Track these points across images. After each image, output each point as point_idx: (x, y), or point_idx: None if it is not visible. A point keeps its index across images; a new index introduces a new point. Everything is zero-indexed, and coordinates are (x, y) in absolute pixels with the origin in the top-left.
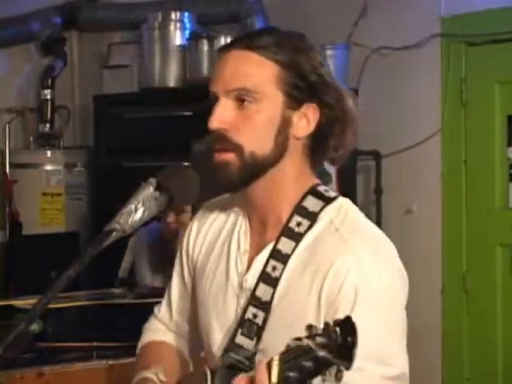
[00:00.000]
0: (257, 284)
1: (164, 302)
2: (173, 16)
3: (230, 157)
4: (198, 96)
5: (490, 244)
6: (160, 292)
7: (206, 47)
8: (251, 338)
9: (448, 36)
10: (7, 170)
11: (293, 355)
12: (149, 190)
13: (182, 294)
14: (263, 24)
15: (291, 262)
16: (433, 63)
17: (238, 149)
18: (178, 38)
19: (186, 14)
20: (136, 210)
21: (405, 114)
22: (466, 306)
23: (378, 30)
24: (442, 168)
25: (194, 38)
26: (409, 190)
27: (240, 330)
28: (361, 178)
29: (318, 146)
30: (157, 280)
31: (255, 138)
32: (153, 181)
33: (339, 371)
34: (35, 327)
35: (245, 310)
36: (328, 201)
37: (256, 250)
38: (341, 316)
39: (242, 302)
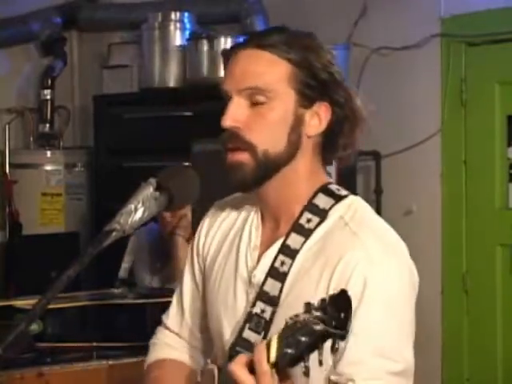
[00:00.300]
0: (265, 279)
1: (173, 306)
2: (173, 16)
3: (243, 157)
4: (198, 96)
5: (490, 244)
6: (160, 292)
7: (206, 47)
8: (259, 333)
9: (448, 36)
10: (7, 170)
11: (290, 332)
12: (149, 190)
13: (194, 295)
14: (263, 24)
15: (300, 256)
16: (433, 63)
17: (251, 148)
18: (178, 38)
19: (186, 14)
20: (136, 210)
21: (405, 114)
22: (466, 306)
23: (378, 30)
24: (441, 168)
25: (194, 38)
26: (409, 190)
27: (248, 325)
28: (361, 178)
29: (328, 145)
30: (155, 281)
31: (268, 137)
32: (153, 181)
33: (335, 343)
34: (35, 327)
35: (253, 305)
36: (339, 198)
37: (266, 245)
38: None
39: (251, 297)
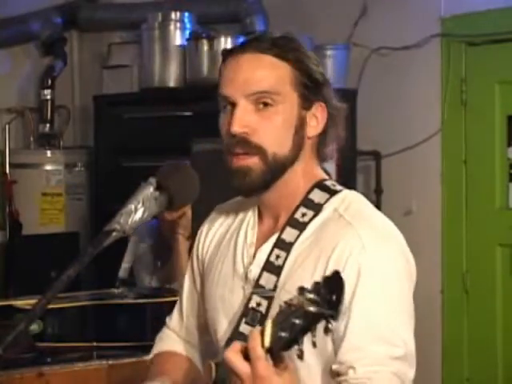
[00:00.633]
0: (260, 273)
1: (175, 309)
2: (173, 16)
3: (252, 161)
4: (198, 96)
5: (490, 244)
6: (160, 292)
7: (206, 47)
8: (254, 326)
9: (448, 36)
10: (7, 170)
11: (284, 316)
12: (149, 190)
13: (192, 298)
14: (263, 24)
15: (294, 249)
16: (433, 63)
17: (261, 151)
18: (178, 38)
19: (186, 14)
20: (136, 210)
21: (405, 114)
22: (466, 306)
23: (378, 30)
24: (441, 168)
25: (194, 38)
26: (409, 190)
27: (244, 319)
28: (361, 178)
29: (321, 144)
30: (155, 280)
31: (276, 140)
32: (153, 181)
33: (328, 324)
34: (35, 327)
35: (249, 299)
36: (333, 193)
37: (262, 241)
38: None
39: (247, 292)
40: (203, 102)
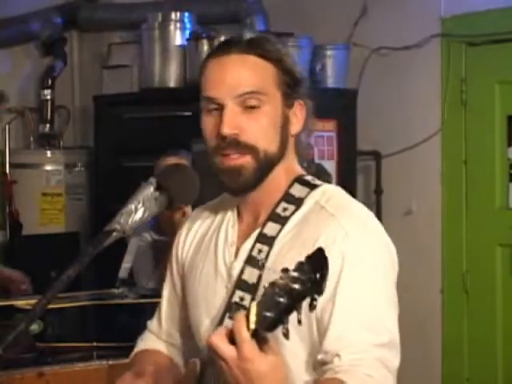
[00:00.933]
0: (243, 268)
1: (156, 313)
2: (173, 16)
3: (245, 160)
4: (197, 96)
5: (490, 244)
6: (159, 293)
7: (206, 47)
8: None
9: (448, 36)
10: (7, 170)
11: (268, 296)
12: (149, 190)
13: (171, 301)
14: (263, 24)
15: (277, 243)
16: (433, 63)
17: (253, 150)
18: (178, 38)
19: (186, 14)
20: (136, 210)
21: (405, 114)
22: (466, 306)
23: (378, 30)
24: (441, 168)
25: (194, 38)
26: (409, 190)
27: (228, 314)
28: (361, 178)
29: (299, 141)
30: (154, 280)
31: (265, 138)
32: (153, 181)
33: (313, 300)
34: (35, 327)
35: (231, 295)
36: (313, 187)
37: (244, 239)
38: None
39: (230, 290)
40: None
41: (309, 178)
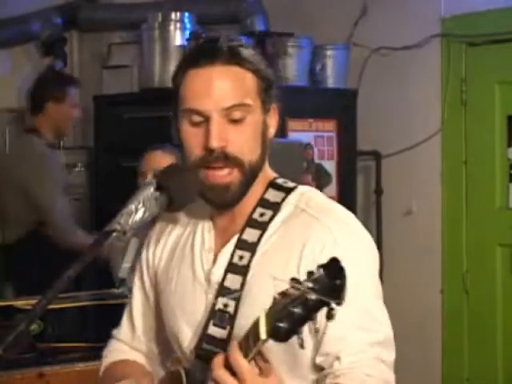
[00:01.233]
0: (224, 275)
1: (124, 321)
2: (173, 16)
3: (232, 176)
4: None
5: (490, 244)
6: None
7: None
8: (223, 328)
9: (448, 36)
10: None
11: (281, 306)
12: (149, 191)
13: (145, 309)
14: (263, 24)
15: (260, 248)
16: (433, 63)
17: (239, 163)
18: (178, 38)
19: (186, 14)
20: (136, 210)
21: (405, 114)
22: (466, 306)
23: (378, 30)
24: (441, 168)
25: (194, 38)
26: (409, 190)
27: (212, 321)
28: (361, 178)
29: (269, 144)
30: None
31: (250, 149)
32: (153, 181)
33: (331, 310)
34: (35, 327)
35: (214, 302)
36: (288, 191)
37: (221, 244)
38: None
39: (211, 296)
40: None
41: (280, 180)
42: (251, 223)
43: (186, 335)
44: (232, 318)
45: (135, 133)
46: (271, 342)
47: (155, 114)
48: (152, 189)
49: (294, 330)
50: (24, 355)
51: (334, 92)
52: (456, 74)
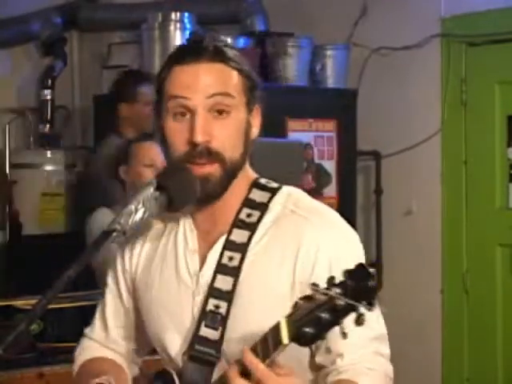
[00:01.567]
0: (214, 277)
1: (97, 320)
2: (173, 16)
3: (212, 168)
4: None
5: (490, 244)
6: None
7: None
8: (216, 328)
9: (448, 36)
10: (7, 170)
11: (305, 311)
12: (149, 191)
13: (117, 309)
14: (263, 24)
15: (251, 249)
16: (433, 63)
17: (220, 158)
18: (178, 39)
19: (186, 14)
20: (136, 210)
21: (405, 114)
22: (466, 306)
23: (378, 30)
24: (441, 168)
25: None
26: (409, 190)
27: (203, 323)
28: (361, 178)
29: (251, 145)
30: None
31: (232, 146)
32: (153, 181)
33: (360, 315)
34: (35, 327)
35: (205, 303)
36: (273, 191)
37: (206, 246)
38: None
39: (199, 298)
40: None
41: (263, 180)
42: (238, 224)
43: (173, 337)
44: (224, 319)
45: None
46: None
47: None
48: (152, 189)
49: (319, 335)
50: (24, 355)
51: (334, 92)
52: (456, 74)
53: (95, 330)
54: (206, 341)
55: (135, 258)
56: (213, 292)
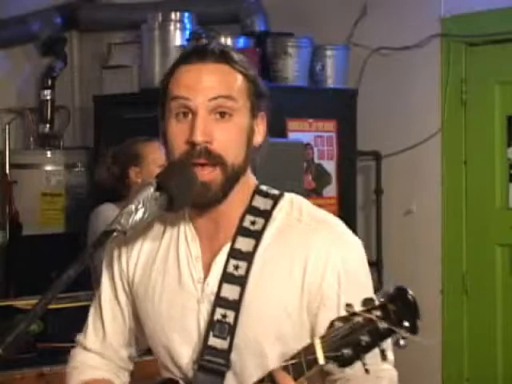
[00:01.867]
0: (220, 286)
1: (91, 326)
2: (173, 16)
3: (214, 174)
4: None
5: (490, 244)
6: None
7: None
8: (224, 338)
9: (448, 36)
10: (7, 171)
11: (344, 332)
12: (149, 191)
13: (115, 314)
14: (263, 24)
15: (257, 258)
16: (433, 63)
17: (221, 162)
18: (178, 39)
19: (186, 14)
20: (136, 210)
21: (405, 113)
22: (466, 306)
23: (378, 30)
24: (441, 168)
25: (194, 38)
26: (409, 190)
27: (211, 333)
28: (361, 178)
29: (255, 152)
30: None
31: (234, 150)
32: (153, 181)
33: (402, 338)
34: (35, 327)
35: (212, 313)
36: (276, 198)
37: (210, 254)
38: (389, 289)
39: (204, 307)
40: None
41: (264, 187)
42: (242, 232)
43: (181, 347)
44: (232, 328)
45: (135, 133)
46: None
47: (155, 114)
48: (152, 189)
49: (358, 356)
50: (24, 355)
51: (334, 92)
52: (456, 74)
53: (90, 337)
54: (214, 350)
55: (133, 261)
56: (219, 301)
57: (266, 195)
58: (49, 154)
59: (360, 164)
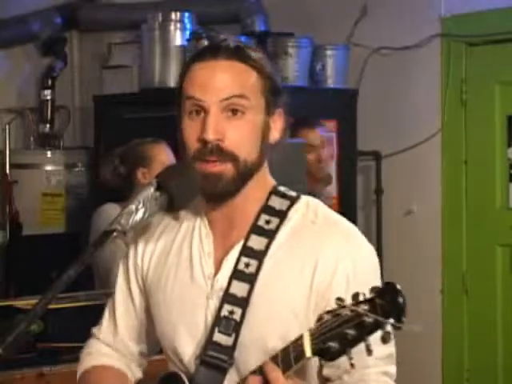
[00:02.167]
0: (229, 282)
1: (106, 320)
2: (173, 16)
3: (225, 167)
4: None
5: (490, 244)
6: None
7: None
8: (229, 335)
9: (448, 36)
10: (7, 171)
11: (330, 325)
12: (149, 191)
13: (128, 309)
14: (263, 24)
15: (269, 257)
16: (433, 63)
17: (233, 158)
18: (178, 39)
19: (186, 14)
20: (137, 210)
21: (405, 114)
22: (466, 306)
23: (378, 30)
24: (442, 168)
25: (194, 38)
26: (409, 190)
27: (217, 328)
28: (361, 178)
29: (271, 150)
30: None
31: (247, 146)
32: (153, 181)
33: (387, 333)
34: (35, 327)
35: (220, 309)
36: (293, 199)
37: (223, 251)
38: (376, 284)
39: (213, 302)
40: None
41: (282, 188)
42: (256, 230)
43: (185, 340)
44: (238, 325)
45: (135, 133)
46: None
47: (155, 114)
48: (152, 189)
49: (343, 350)
50: (24, 355)
51: (334, 92)
52: (456, 74)
53: (103, 330)
54: (218, 346)
55: (147, 255)
56: (228, 298)
57: (283, 196)
58: (49, 153)
59: (360, 164)
